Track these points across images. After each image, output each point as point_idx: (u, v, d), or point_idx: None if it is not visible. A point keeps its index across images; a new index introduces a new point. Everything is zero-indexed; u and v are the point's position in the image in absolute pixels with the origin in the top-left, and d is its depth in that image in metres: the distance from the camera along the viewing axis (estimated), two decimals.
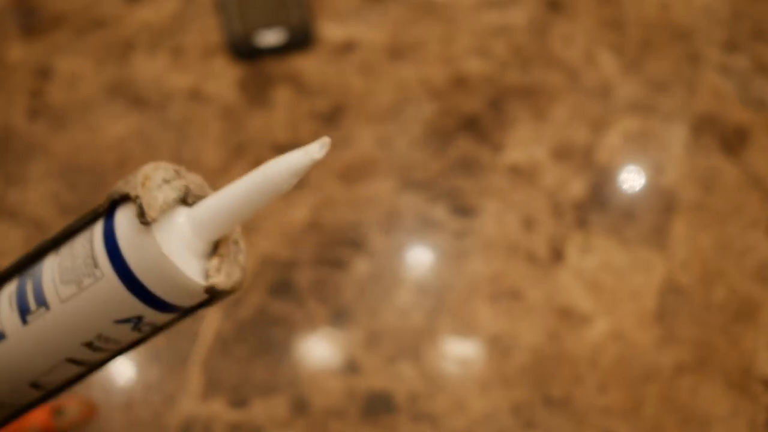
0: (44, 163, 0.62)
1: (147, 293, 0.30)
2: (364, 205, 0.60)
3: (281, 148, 0.62)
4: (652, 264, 0.58)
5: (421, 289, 0.57)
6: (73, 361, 0.33)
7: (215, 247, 0.31)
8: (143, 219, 0.29)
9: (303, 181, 0.61)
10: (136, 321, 0.31)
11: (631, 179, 0.61)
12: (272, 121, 0.63)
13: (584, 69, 0.65)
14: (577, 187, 0.60)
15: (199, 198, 0.31)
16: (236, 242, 0.32)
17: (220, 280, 0.30)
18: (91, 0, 0.68)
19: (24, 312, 0.32)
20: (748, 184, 0.60)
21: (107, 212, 0.31)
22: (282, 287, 0.57)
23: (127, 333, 0.32)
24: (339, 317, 0.56)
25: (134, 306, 0.30)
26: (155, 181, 0.30)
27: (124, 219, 0.30)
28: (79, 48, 0.66)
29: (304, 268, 0.58)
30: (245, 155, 0.62)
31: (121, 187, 0.30)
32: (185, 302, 0.31)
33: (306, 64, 0.65)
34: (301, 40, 0.65)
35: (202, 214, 0.30)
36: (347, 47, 0.66)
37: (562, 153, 0.62)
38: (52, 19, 0.67)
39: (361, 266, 0.58)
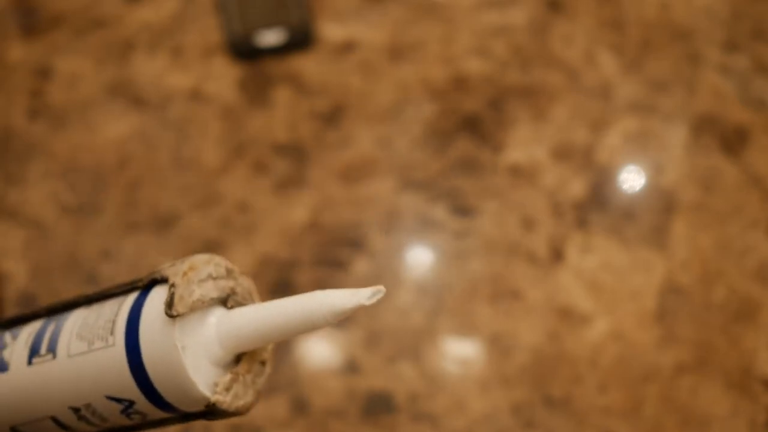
0: (44, 163, 0.62)
1: (147, 381, 0.28)
2: (364, 205, 0.60)
3: (281, 148, 0.62)
4: (652, 264, 0.58)
5: (421, 289, 0.57)
6: (56, 421, 0.31)
7: (237, 362, 0.30)
8: (169, 311, 0.28)
9: (302, 181, 0.61)
10: (127, 405, 0.29)
11: (631, 179, 0.61)
12: (272, 121, 0.63)
13: (584, 69, 0.65)
14: (577, 187, 0.60)
15: (239, 304, 0.30)
16: (263, 363, 0.30)
17: (224, 400, 0.29)
18: (91, 0, 0.68)
19: (33, 353, 0.31)
20: (748, 184, 0.60)
21: (147, 287, 0.30)
22: (282, 287, 0.57)
23: (115, 414, 0.30)
24: None
25: (130, 388, 0.29)
26: (200, 274, 0.29)
27: (155, 300, 0.29)
28: (79, 48, 0.66)
29: (304, 268, 0.58)
30: (245, 155, 0.62)
31: (166, 268, 0.29)
32: (182, 406, 0.29)
33: (306, 64, 0.65)
34: (301, 40, 0.65)
35: (232, 324, 0.29)
36: (347, 47, 0.66)
37: (562, 153, 0.62)
38: (52, 19, 0.67)
39: (361, 266, 0.58)
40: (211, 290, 0.29)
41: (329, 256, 0.58)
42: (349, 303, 0.27)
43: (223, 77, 0.65)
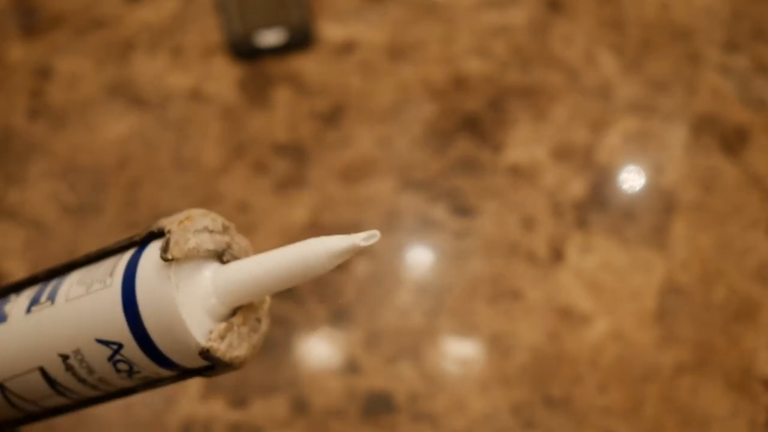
0: (44, 163, 0.62)
1: (138, 322, 0.28)
2: (364, 205, 0.60)
3: (281, 148, 0.62)
4: (652, 264, 0.58)
5: (421, 289, 0.57)
6: (43, 373, 0.31)
7: (233, 314, 0.30)
8: (164, 254, 0.28)
9: (302, 181, 0.61)
10: (115, 349, 0.29)
11: (631, 179, 0.61)
12: (272, 121, 0.63)
13: (584, 69, 0.65)
14: (577, 187, 0.60)
15: (235, 259, 0.30)
16: (258, 320, 0.30)
17: (218, 347, 0.28)
18: (91, 0, 0.68)
19: (33, 302, 0.31)
20: (748, 184, 0.60)
21: (145, 240, 0.30)
22: None
23: (102, 362, 0.30)
24: (339, 317, 0.56)
25: (120, 329, 0.29)
26: (196, 225, 0.29)
27: (153, 250, 0.29)
28: (79, 48, 0.66)
29: None
30: (245, 155, 0.62)
31: (162, 220, 0.29)
32: (172, 355, 0.29)
33: (306, 64, 0.65)
34: (301, 40, 0.65)
35: (227, 276, 0.29)
36: (347, 47, 0.66)
37: (562, 153, 0.62)
38: (52, 19, 0.67)
39: (361, 266, 0.58)
40: (207, 241, 0.29)
41: None
42: (344, 244, 0.28)
43: (223, 77, 0.65)
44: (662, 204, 0.60)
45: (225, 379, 0.55)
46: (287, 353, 0.55)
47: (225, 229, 0.30)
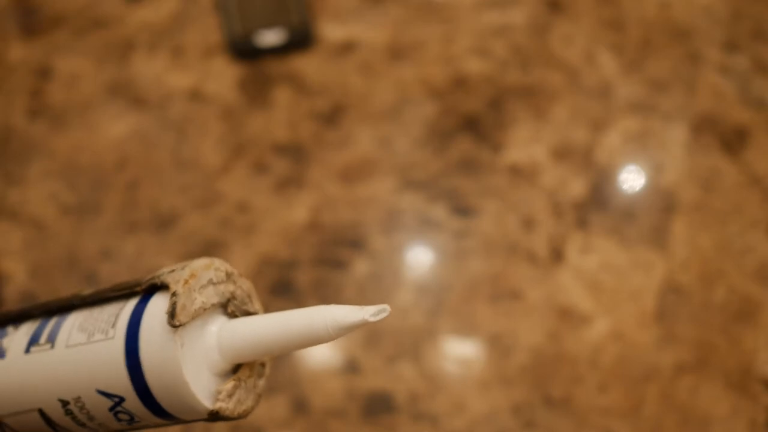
0: (44, 163, 0.62)
1: (141, 379, 0.28)
2: (364, 205, 0.60)
3: (281, 149, 0.62)
4: (652, 264, 0.58)
5: (421, 289, 0.57)
6: (42, 415, 0.31)
7: (237, 367, 0.29)
8: (171, 320, 0.27)
9: (302, 181, 0.61)
10: (117, 402, 0.29)
11: (631, 179, 0.61)
12: (272, 121, 0.63)
13: (584, 69, 0.65)
14: (577, 187, 0.60)
15: (239, 308, 0.30)
16: (262, 365, 0.30)
17: (227, 407, 0.28)
18: (91, 0, 0.68)
19: (32, 342, 0.31)
20: (748, 184, 0.60)
21: (147, 291, 0.29)
22: (282, 287, 0.57)
23: (103, 412, 0.30)
24: None
25: (123, 384, 0.28)
26: (200, 281, 0.29)
27: (156, 306, 0.28)
28: (79, 48, 0.66)
29: (304, 268, 0.58)
30: (245, 155, 0.62)
31: (166, 274, 0.29)
32: (176, 412, 0.29)
33: (306, 64, 0.65)
34: (301, 40, 0.65)
35: (233, 335, 0.28)
36: (347, 47, 0.66)
37: (562, 153, 0.62)
38: (52, 19, 0.67)
39: (361, 266, 0.58)
40: (212, 296, 0.29)
41: (329, 256, 0.58)
42: (353, 318, 0.27)
43: (223, 77, 0.65)
44: (662, 204, 0.60)
45: None
46: (287, 353, 0.55)
47: (228, 276, 0.30)
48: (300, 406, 0.54)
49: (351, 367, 0.55)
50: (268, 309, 0.59)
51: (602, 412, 0.53)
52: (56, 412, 0.31)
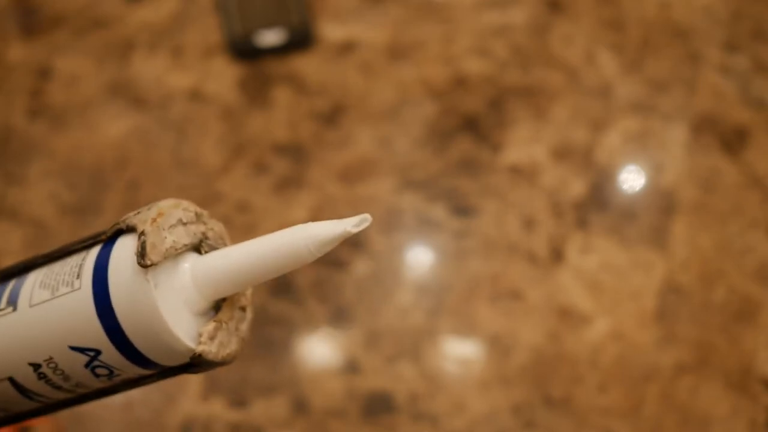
0: (44, 163, 0.62)
1: (117, 327, 0.26)
2: (364, 205, 0.60)
3: (281, 148, 0.62)
4: (652, 264, 0.58)
5: (421, 289, 0.57)
6: (14, 383, 0.29)
7: (217, 309, 0.28)
8: (142, 261, 0.25)
9: (302, 181, 0.61)
10: (93, 355, 0.27)
11: (631, 179, 0.61)
12: (272, 121, 0.63)
13: (584, 69, 0.65)
14: (577, 187, 0.60)
15: (213, 249, 0.28)
16: (243, 308, 0.28)
17: (210, 350, 0.26)
18: (91, 0, 0.68)
19: None
20: (748, 184, 0.60)
21: (111, 238, 0.28)
22: (282, 287, 0.57)
23: (79, 369, 0.27)
24: (339, 317, 0.56)
25: (96, 336, 0.26)
26: (169, 220, 0.27)
27: (124, 248, 0.27)
28: (79, 48, 0.66)
29: (303, 268, 0.58)
30: (245, 155, 0.62)
31: (131, 217, 0.27)
32: (157, 358, 0.27)
33: (306, 64, 0.65)
34: (301, 40, 0.65)
35: (207, 268, 0.27)
36: (347, 47, 0.66)
37: (562, 153, 0.62)
38: (52, 19, 0.67)
39: (361, 266, 0.58)
40: (183, 236, 0.27)
41: (329, 255, 0.58)
42: (334, 232, 0.25)
43: (223, 77, 0.65)
44: (662, 204, 0.60)
45: (225, 379, 0.55)
46: (287, 353, 0.55)
47: (198, 217, 0.28)
48: (300, 406, 0.54)
49: (351, 367, 0.55)
50: (267, 309, 0.59)
51: (602, 412, 0.53)
52: (28, 378, 0.28)
